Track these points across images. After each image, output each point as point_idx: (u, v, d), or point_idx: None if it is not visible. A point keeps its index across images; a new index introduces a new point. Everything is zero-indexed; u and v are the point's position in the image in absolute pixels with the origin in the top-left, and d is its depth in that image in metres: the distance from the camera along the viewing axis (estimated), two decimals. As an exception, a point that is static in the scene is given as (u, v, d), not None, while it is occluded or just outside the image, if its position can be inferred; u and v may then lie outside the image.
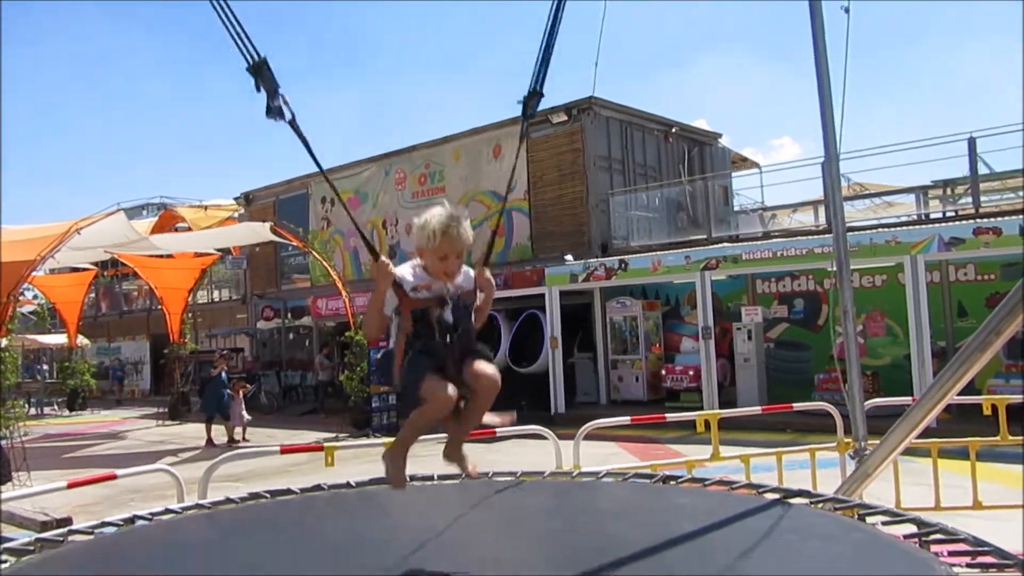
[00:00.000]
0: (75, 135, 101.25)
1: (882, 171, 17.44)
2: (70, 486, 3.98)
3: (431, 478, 4.24)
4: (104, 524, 3.58)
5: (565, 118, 18.18)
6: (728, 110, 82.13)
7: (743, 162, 23.55)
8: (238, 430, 15.67)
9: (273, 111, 2.49)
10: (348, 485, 4.21)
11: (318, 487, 4.19)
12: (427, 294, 2.66)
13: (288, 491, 4.16)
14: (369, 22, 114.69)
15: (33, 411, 25.61)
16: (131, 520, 3.65)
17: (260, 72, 2.45)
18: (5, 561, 3.08)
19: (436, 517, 3.85)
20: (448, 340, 2.65)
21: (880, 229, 13.54)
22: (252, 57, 2.45)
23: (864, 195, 15.94)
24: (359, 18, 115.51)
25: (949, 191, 15.61)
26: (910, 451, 4.98)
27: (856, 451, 3.94)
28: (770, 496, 3.52)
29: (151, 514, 3.74)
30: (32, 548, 3.24)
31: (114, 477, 4.25)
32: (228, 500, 4.00)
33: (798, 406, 6.88)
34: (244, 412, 15.76)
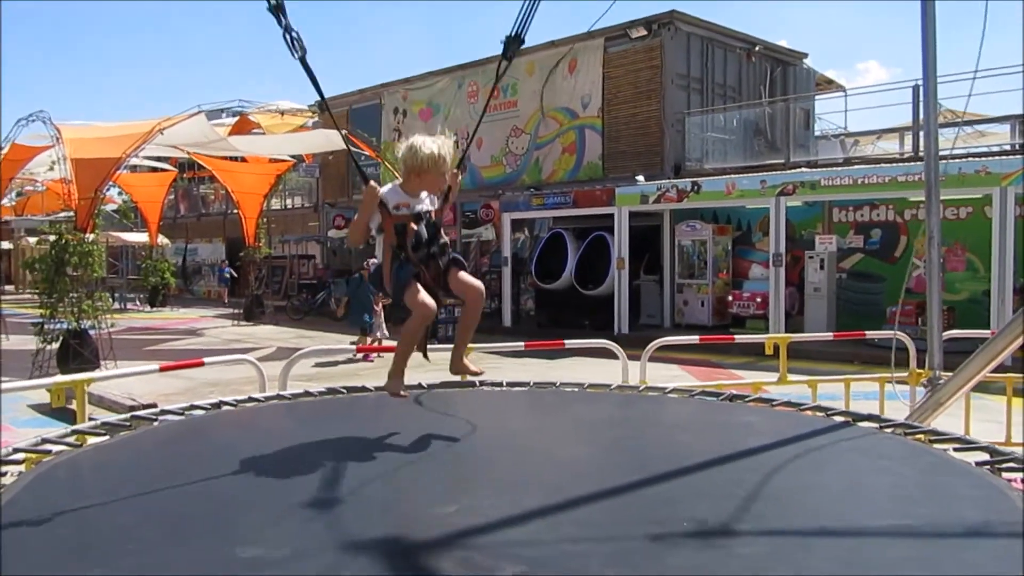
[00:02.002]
0: (157, 40, 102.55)
1: (974, 98, 16.53)
2: (162, 370, 4.21)
3: (500, 384, 4.36)
4: (193, 407, 3.81)
5: (644, 33, 17.63)
6: (813, 30, 78.31)
7: (828, 85, 22.59)
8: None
9: (288, 45, 2.91)
10: (420, 386, 4.36)
11: (392, 386, 4.35)
12: (406, 211, 3.06)
13: (363, 388, 4.34)
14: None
15: (117, 305, 26.89)
16: (218, 405, 3.87)
17: (278, 11, 2.86)
18: (105, 434, 3.31)
19: (504, 420, 3.97)
20: (426, 251, 3.07)
21: (970, 158, 12.94)
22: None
23: (956, 123, 15.15)
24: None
25: (1048, 121, 14.76)
26: (982, 387, 4.90)
27: (930, 380, 3.89)
28: (838, 419, 3.52)
29: (236, 401, 3.96)
30: (128, 424, 3.47)
31: (202, 364, 4.48)
32: (307, 393, 4.20)
33: (871, 334, 6.77)
34: (384, 327, 14.47)
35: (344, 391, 4.24)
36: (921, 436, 3.14)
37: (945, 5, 3.88)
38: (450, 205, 3.27)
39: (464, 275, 3.17)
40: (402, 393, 3.15)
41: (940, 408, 3.68)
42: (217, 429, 3.59)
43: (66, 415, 8.63)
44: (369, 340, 13.74)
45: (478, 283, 3.19)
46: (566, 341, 5.68)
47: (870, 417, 3.50)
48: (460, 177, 3.26)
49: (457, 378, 4.11)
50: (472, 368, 3.36)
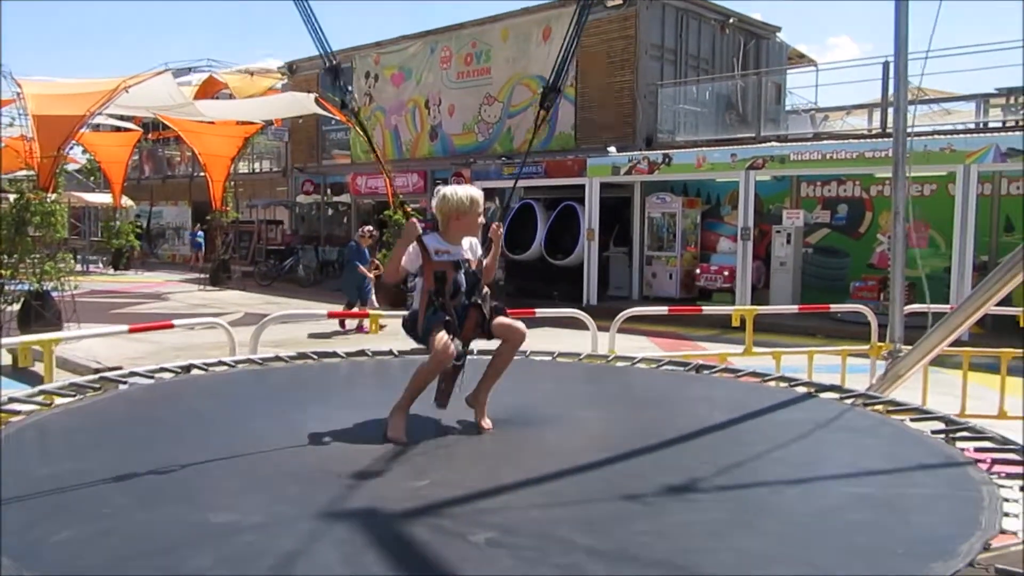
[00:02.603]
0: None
1: (942, 76, 16.72)
2: (131, 331, 4.18)
3: (471, 353, 4.38)
4: (163, 370, 3.79)
5: (619, 2, 17.52)
6: (786, 3, 78.33)
7: (800, 59, 22.68)
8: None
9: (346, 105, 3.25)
10: (391, 353, 4.38)
11: (362, 352, 4.37)
12: (447, 258, 3.13)
13: (335, 354, 4.35)
14: None
15: (79, 267, 26.41)
16: (187, 368, 3.86)
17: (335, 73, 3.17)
18: (73, 395, 3.30)
19: (471, 387, 4.02)
20: (464, 299, 3.13)
21: (935, 136, 13.12)
22: (329, 60, 3.12)
23: (924, 100, 15.34)
24: None
25: (1012, 100, 14.99)
26: (940, 362, 5.04)
27: (891, 352, 4.00)
28: (801, 390, 3.61)
29: (206, 364, 3.96)
30: (97, 386, 3.46)
31: (171, 326, 4.45)
32: (278, 358, 4.20)
33: (835, 307, 6.91)
34: (374, 297, 13.67)
35: (315, 357, 4.25)
36: (880, 407, 3.23)
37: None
38: (493, 258, 3.30)
39: (505, 318, 3.24)
40: (401, 437, 2.86)
41: (899, 380, 3.79)
42: (187, 393, 3.59)
43: (29, 376, 8.52)
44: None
45: (521, 324, 3.25)
46: (537, 311, 5.73)
47: (832, 388, 3.59)
48: (501, 230, 3.32)
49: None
50: (486, 421, 3.15)
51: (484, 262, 3.26)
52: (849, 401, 3.33)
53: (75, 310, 11.46)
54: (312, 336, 11.25)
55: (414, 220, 3.19)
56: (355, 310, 12.14)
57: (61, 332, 3.79)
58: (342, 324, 12.24)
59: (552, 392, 3.77)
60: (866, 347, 5.82)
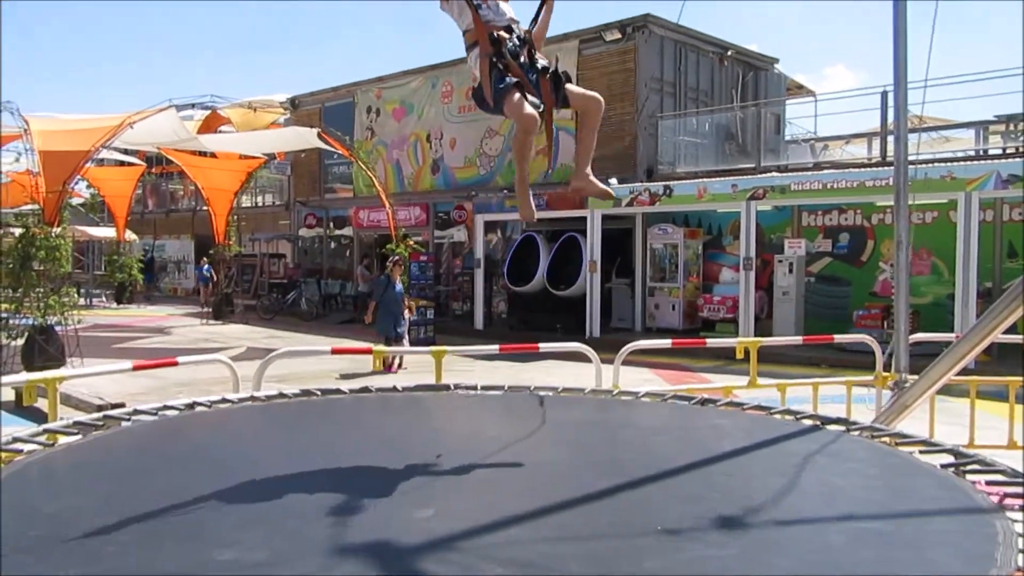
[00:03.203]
0: (131, 33, 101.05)
1: (941, 104, 16.87)
2: (135, 369, 4.18)
3: (475, 388, 4.37)
4: (166, 407, 3.78)
5: (619, 36, 17.72)
6: (782, 34, 79.21)
7: (798, 90, 22.87)
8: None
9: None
10: (395, 389, 4.37)
11: (366, 389, 4.36)
12: (492, 16, 2.89)
13: (338, 391, 4.33)
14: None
15: (83, 301, 26.44)
16: (191, 406, 3.85)
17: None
18: (76, 433, 3.28)
19: (479, 423, 4.00)
20: (527, 65, 2.89)
21: (936, 163, 13.19)
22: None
23: (923, 128, 15.45)
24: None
25: (1011, 127, 15.08)
26: (946, 391, 5.01)
27: (896, 383, 3.98)
28: (807, 422, 3.59)
29: (210, 402, 3.94)
30: (100, 423, 3.44)
31: (176, 364, 4.45)
32: (281, 395, 4.18)
33: (839, 338, 6.88)
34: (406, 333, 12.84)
35: (319, 393, 4.23)
36: (888, 439, 3.21)
37: (915, 9, 3.96)
38: (545, 21, 3.07)
39: (578, 88, 3.04)
40: (532, 215, 3.07)
41: (906, 411, 3.76)
42: (191, 430, 3.57)
43: (33, 413, 8.50)
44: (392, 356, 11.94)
45: (597, 94, 3.05)
46: (540, 345, 5.72)
47: (838, 420, 3.57)
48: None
49: (432, 381, 4.11)
50: (598, 185, 3.16)
51: (535, 29, 3.05)
52: (856, 433, 3.31)
53: (78, 345, 11.47)
54: (345, 376, 11.05)
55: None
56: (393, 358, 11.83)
57: (65, 370, 3.78)
58: (385, 364, 11.62)
59: (558, 426, 3.75)
60: (871, 377, 5.79)
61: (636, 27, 17.66)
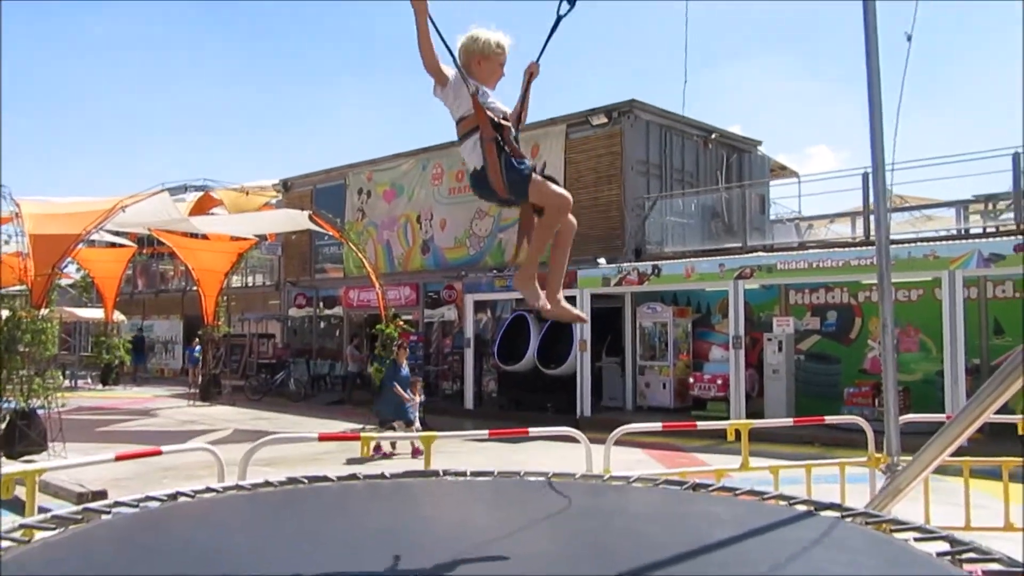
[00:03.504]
0: (123, 117, 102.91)
1: (922, 184, 17.24)
2: (117, 458, 4.11)
3: (464, 474, 4.30)
4: (148, 498, 3.69)
5: (605, 120, 18.17)
6: (763, 116, 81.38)
7: (782, 170, 23.37)
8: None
9: None
10: (383, 476, 4.30)
11: (354, 476, 4.29)
12: (493, 104, 2.85)
13: (325, 478, 4.26)
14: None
15: (68, 383, 26.15)
16: (174, 496, 3.77)
17: None
18: (54, 528, 3.20)
19: (468, 512, 3.92)
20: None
21: (919, 243, 13.39)
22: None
23: (904, 208, 15.77)
24: (401, 17, 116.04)
25: (991, 206, 15.40)
26: (940, 470, 4.97)
27: (889, 466, 3.95)
28: (800, 508, 3.54)
29: (193, 491, 3.86)
30: (79, 517, 3.36)
31: (159, 453, 4.37)
32: (267, 483, 4.11)
33: (830, 419, 6.86)
34: (417, 416, 12.49)
35: (305, 481, 4.16)
36: (883, 525, 3.16)
37: (891, 95, 4.09)
38: (525, 106, 3.01)
39: (549, 183, 2.89)
40: (542, 302, 2.87)
41: (900, 495, 3.72)
42: (174, 522, 3.48)
43: (11, 504, 8.30)
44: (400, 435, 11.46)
45: (565, 191, 2.91)
46: (530, 429, 5.66)
47: (832, 506, 3.52)
48: (536, 72, 2.98)
49: (420, 466, 4.06)
50: (572, 311, 3.06)
51: (521, 119, 2.99)
52: (850, 520, 3.27)
53: (61, 429, 11.29)
54: (351, 461, 10.82)
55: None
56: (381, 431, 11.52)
57: (44, 463, 3.69)
58: (378, 448, 11.66)
59: (548, 513, 3.69)
60: (863, 459, 5.75)
61: (622, 112, 18.13)
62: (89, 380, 27.16)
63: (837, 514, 3.41)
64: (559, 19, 2.92)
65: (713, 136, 20.31)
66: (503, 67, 2.96)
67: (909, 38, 4.28)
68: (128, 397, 22.76)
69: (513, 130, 2.93)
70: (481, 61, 2.90)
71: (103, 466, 9.61)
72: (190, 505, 3.70)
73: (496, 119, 2.84)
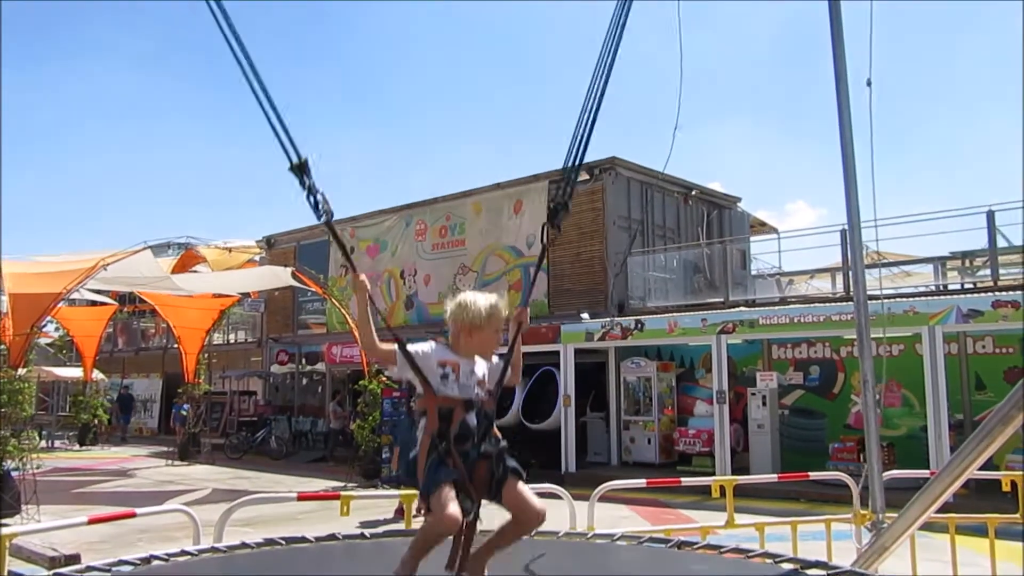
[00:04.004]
0: (103, 175, 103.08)
1: (900, 240, 17.48)
2: (91, 521, 4.01)
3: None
4: (121, 562, 3.60)
5: (587, 177, 18.38)
6: (742, 173, 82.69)
7: (761, 226, 23.67)
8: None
9: (313, 208, 2.63)
10: (363, 536, 4.22)
11: (333, 536, 4.21)
12: (455, 393, 2.64)
13: (303, 539, 4.17)
14: (393, 75, 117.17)
15: (44, 444, 25.65)
16: (148, 560, 3.67)
17: (302, 172, 2.62)
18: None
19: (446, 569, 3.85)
20: (475, 448, 2.61)
21: (898, 299, 13.52)
22: (295, 158, 2.61)
23: (883, 264, 15.92)
24: (385, 73, 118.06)
25: (968, 263, 15.61)
26: (927, 526, 4.94)
27: (874, 523, 3.92)
28: (787, 566, 3.50)
29: (167, 555, 3.77)
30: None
31: (133, 515, 4.28)
32: (244, 545, 4.02)
33: (814, 475, 6.82)
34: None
35: (283, 543, 4.07)
36: (869, 584, 3.13)
37: (866, 151, 4.16)
38: (518, 356, 2.82)
39: (524, 490, 2.66)
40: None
41: (885, 552, 3.70)
42: (146, 587, 3.40)
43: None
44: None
45: (539, 503, 2.68)
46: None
47: (818, 564, 3.48)
48: (527, 316, 2.84)
49: (402, 527, 3.99)
50: None
51: (506, 375, 2.78)
52: (836, 578, 3.23)
53: (35, 491, 11.03)
54: (364, 524, 10.12)
55: (362, 277, 2.73)
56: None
57: (15, 527, 3.59)
58: (400, 511, 10.77)
59: (529, 573, 3.62)
60: (849, 515, 5.71)
61: (603, 168, 18.38)
62: (66, 440, 26.65)
63: (823, 572, 3.37)
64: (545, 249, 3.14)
65: (693, 192, 20.58)
66: (499, 332, 2.77)
67: (869, 83, 4.36)
68: (106, 457, 22.34)
69: (487, 398, 2.72)
70: (472, 332, 2.73)
71: (77, 529, 9.36)
72: (163, 569, 3.62)
73: (449, 407, 2.61)
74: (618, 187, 18.57)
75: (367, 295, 2.72)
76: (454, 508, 2.47)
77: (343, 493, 4.46)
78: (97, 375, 27.50)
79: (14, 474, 11.02)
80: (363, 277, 2.77)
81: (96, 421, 26.03)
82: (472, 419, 2.62)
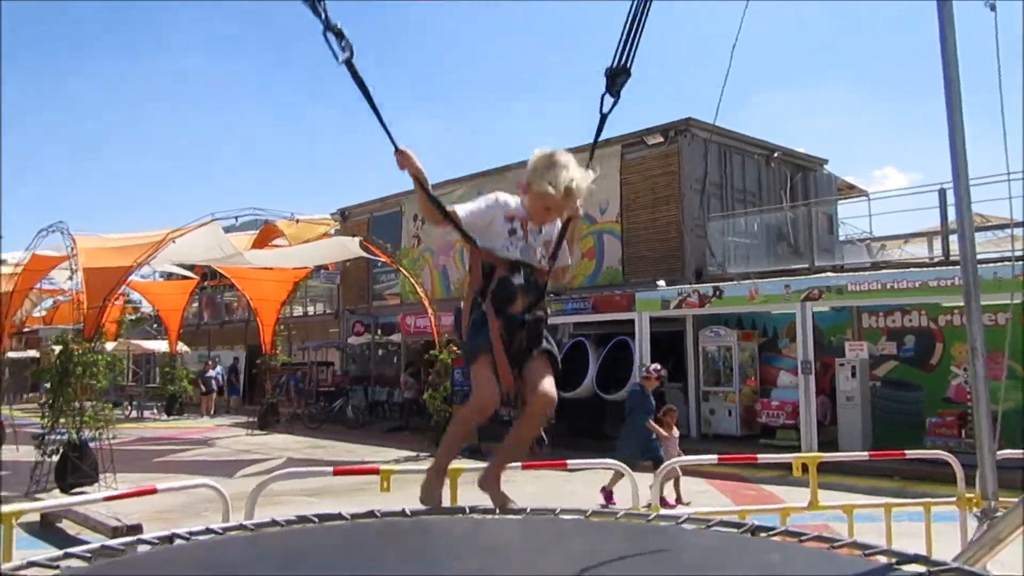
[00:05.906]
0: (177, 151, 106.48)
1: (1006, 201, 16.20)
2: (105, 500, 3.83)
3: (493, 511, 3.90)
4: (140, 541, 3.37)
5: (661, 140, 17.69)
6: (829, 138, 79.46)
7: (850, 190, 22.45)
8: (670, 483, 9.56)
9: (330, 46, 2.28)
10: (403, 513, 3.91)
11: (371, 513, 3.90)
12: (516, 254, 2.51)
13: (338, 516, 3.88)
14: (465, 48, 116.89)
15: (134, 414, 26.63)
16: (169, 538, 3.44)
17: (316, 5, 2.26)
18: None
19: (493, 556, 3.49)
20: (518, 315, 2.47)
21: (1005, 262, 12.47)
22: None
23: (988, 227, 14.81)
24: (457, 49, 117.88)
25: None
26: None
27: (984, 511, 3.37)
28: (880, 559, 3.01)
29: (190, 533, 3.53)
30: (56, 566, 3.05)
31: (154, 491, 4.08)
32: (273, 522, 3.75)
33: (911, 453, 6.18)
34: (680, 452, 10.00)
35: (315, 520, 3.79)
36: (980, 585, 2.62)
37: (969, 105, 3.53)
38: (566, 272, 2.70)
39: (541, 368, 2.56)
40: (437, 503, 2.61)
41: (999, 545, 3.15)
42: (161, 569, 3.15)
43: (56, 535, 8.20)
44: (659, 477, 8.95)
45: (552, 390, 2.58)
46: (568, 461, 5.19)
47: (917, 558, 2.98)
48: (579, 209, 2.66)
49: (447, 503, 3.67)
50: (504, 497, 2.71)
51: (560, 249, 2.62)
52: (941, 576, 2.72)
53: (112, 460, 11.23)
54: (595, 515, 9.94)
55: (403, 147, 2.49)
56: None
57: (21, 504, 3.44)
58: (609, 497, 9.88)
59: (578, 560, 3.22)
60: (952, 498, 5.11)
61: (679, 131, 17.63)
62: (155, 411, 27.61)
63: (923, 568, 2.88)
64: (604, 118, 2.65)
65: (776, 154, 19.60)
66: (550, 212, 2.59)
67: (992, 7, 3.70)
68: (191, 427, 22.99)
69: (525, 285, 2.55)
70: (524, 189, 2.60)
71: (148, 498, 9.48)
72: (183, 549, 3.36)
73: (496, 262, 2.52)
74: (694, 149, 17.79)
75: (416, 166, 2.52)
76: (490, 383, 2.44)
77: (383, 468, 4.15)
78: (182, 347, 28.32)
79: (91, 444, 11.24)
80: (403, 147, 2.53)
81: (183, 392, 26.82)
82: (518, 279, 2.51)
